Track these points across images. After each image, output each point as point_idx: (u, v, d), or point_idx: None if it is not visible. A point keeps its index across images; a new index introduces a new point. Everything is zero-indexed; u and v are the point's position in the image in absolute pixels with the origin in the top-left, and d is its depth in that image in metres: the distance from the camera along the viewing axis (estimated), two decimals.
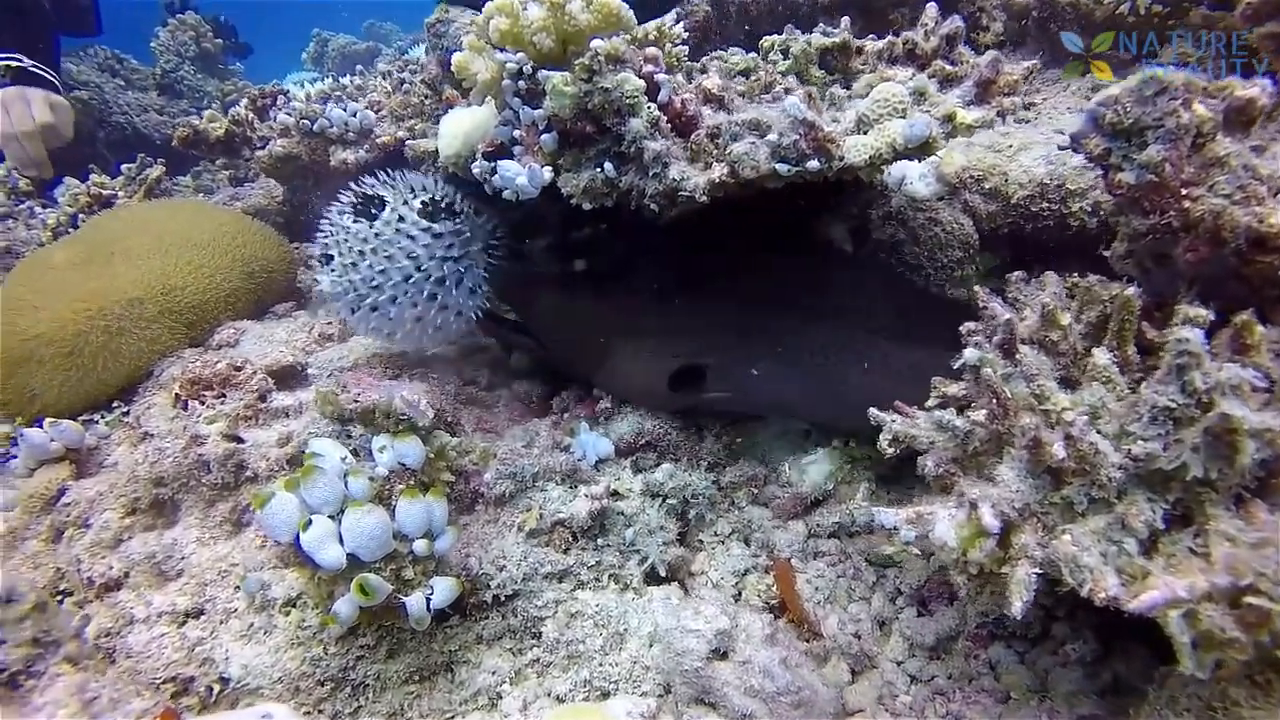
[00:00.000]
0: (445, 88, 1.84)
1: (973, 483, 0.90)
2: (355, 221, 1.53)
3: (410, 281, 1.49)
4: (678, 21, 1.89)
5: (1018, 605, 0.78)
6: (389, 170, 1.62)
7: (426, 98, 2.09)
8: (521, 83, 1.29)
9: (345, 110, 2.06)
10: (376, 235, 1.50)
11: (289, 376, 1.75)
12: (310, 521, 1.10)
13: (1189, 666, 0.71)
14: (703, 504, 1.49)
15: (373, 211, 1.52)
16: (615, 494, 1.43)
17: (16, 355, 1.69)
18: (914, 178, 1.49)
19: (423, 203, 1.53)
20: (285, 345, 1.91)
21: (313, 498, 1.12)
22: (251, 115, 2.87)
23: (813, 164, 1.11)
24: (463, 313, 1.58)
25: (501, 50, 1.29)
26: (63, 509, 1.53)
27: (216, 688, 1.21)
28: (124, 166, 3.17)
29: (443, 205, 1.54)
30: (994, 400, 0.88)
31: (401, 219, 1.51)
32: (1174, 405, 0.77)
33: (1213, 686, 0.85)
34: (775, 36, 1.66)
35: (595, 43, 1.21)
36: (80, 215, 2.77)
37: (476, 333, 1.85)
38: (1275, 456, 0.73)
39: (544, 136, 1.29)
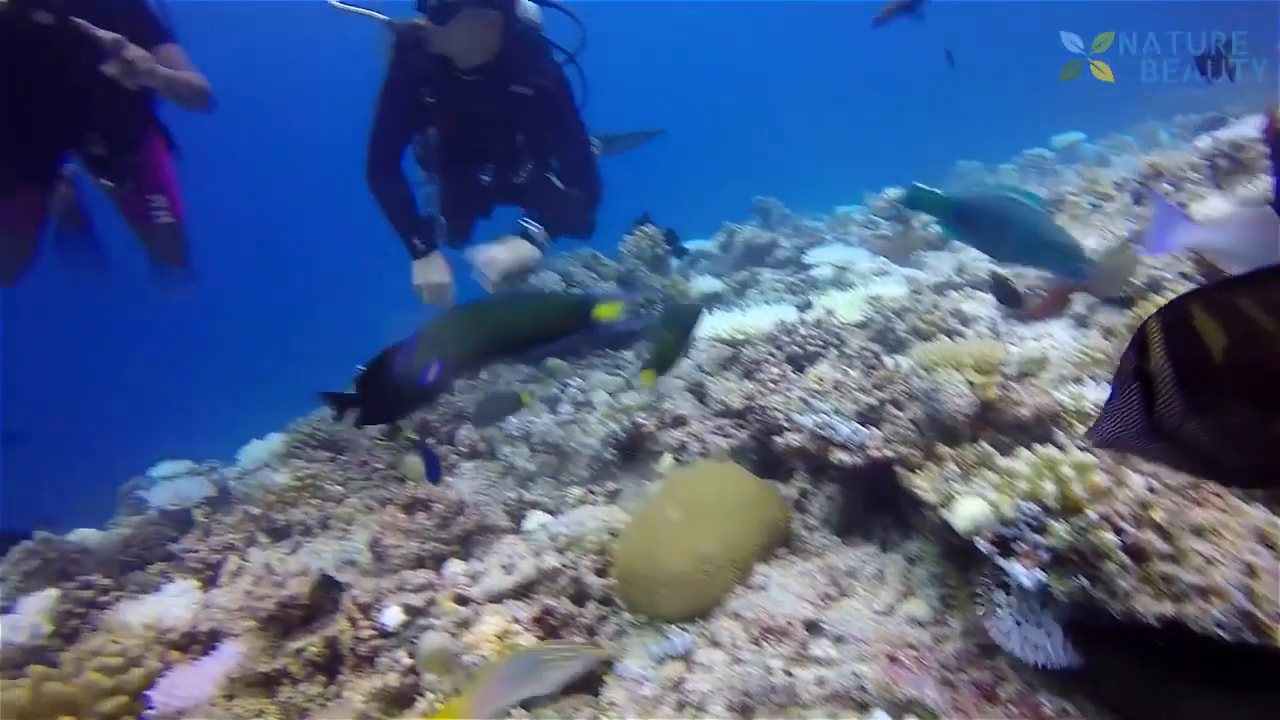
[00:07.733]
0: (938, 445, 2.70)
1: None
2: None
3: None
4: None
5: None
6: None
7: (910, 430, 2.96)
8: (1031, 519, 2.07)
9: (850, 430, 3.01)
10: None
11: (812, 629, 2.66)
12: None
13: None
14: None
15: None
16: None
17: (649, 584, 2.81)
18: None
19: None
20: (799, 599, 2.82)
21: None
22: None
23: None
24: None
25: (1021, 497, 2.09)
26: (685, 693, 2.54)
27: None
28: None
29: None
30: None
31: None
32: None
33: None
34: None
35: (1089, 512, 1.96)
36: None
37: None
38: None
39: (1042, 553, 2.05)
